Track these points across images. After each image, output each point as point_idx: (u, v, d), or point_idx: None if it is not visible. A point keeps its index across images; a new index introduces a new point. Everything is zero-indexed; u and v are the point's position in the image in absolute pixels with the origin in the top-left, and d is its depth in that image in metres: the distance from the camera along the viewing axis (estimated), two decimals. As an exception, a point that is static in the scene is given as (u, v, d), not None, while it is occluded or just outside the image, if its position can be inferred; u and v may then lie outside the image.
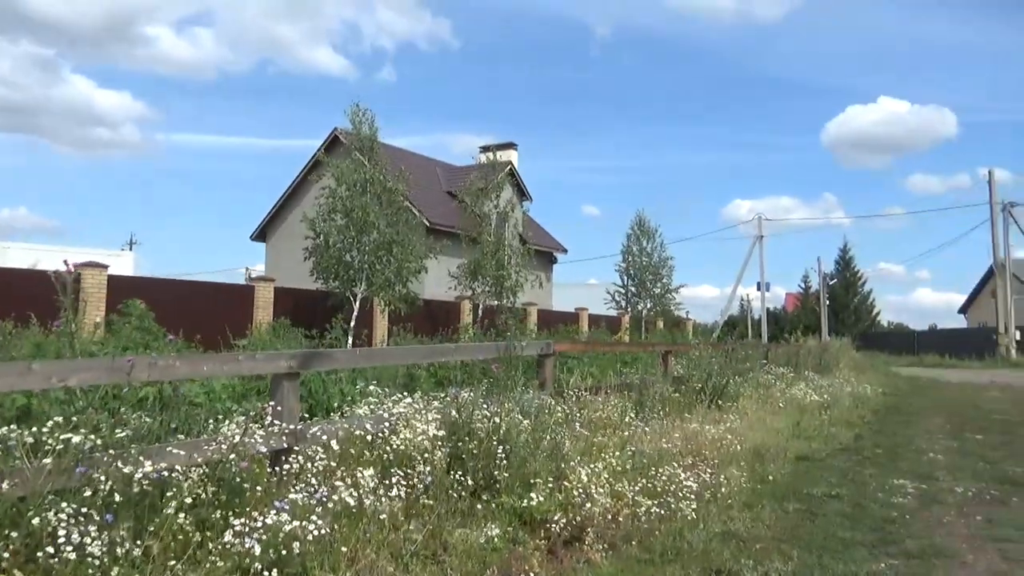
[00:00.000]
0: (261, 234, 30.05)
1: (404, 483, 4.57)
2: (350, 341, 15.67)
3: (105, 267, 14.64)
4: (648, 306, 31.34)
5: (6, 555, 3.03)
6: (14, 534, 3.12)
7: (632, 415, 7.83)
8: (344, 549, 3.78)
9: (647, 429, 7.44)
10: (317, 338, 10.94)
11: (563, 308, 29.91)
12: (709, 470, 6.56)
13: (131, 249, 38.70)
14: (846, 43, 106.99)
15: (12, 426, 3.61)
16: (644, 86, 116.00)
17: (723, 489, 6.05)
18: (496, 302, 22.60)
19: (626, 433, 7.00)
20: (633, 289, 31.41)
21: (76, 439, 3.51)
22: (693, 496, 5.56)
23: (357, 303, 17.92)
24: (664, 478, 5.70)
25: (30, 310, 10.09)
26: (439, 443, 5.17)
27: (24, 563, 3.05)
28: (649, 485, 5.57)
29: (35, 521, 3.16)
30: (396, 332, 14.10)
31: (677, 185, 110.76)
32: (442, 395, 6.35)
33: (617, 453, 6.06)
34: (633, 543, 4.72)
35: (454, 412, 5.48)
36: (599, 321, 27.99)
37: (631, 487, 5.38)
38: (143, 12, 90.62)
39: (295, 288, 18.61)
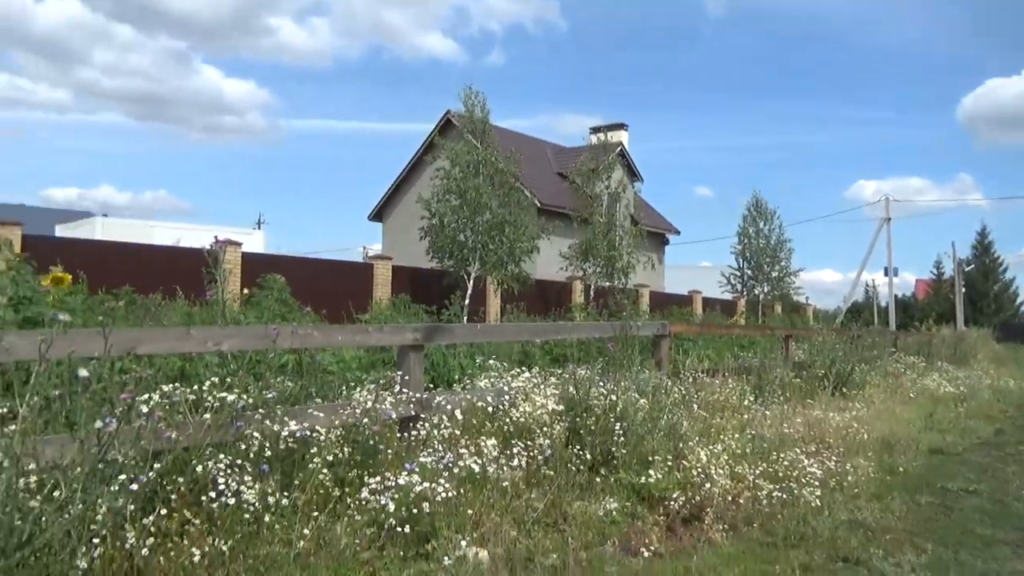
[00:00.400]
0: (378, 214, 31.11)
1: (524, 454, 4.69)
2: (464, 319, 16.05)
3: (239, 244, 15.64)
4: (765, 290, 30.30)
5: (174, 497, 3.36)
6: (180, 479, 3.45)
7: (751, 399, 7.65)
8: (470, 512, 3.94)
9: (767, 413, 7.26)
10: (435, 314, 11.28)
11: (675, 290, 29.37)
12: (834, 458, 6.33)
13: (259, 228, 41.09)
14: (983, 10, 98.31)
15: (176, 384, 3.97)
16: (759, 63, 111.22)
17: (849, 478, 5.83)
18: (607, 283, 22.50)
19: (745, 416, 6.85)
20: (749, 272, 30.45)
21: (231, 398, 3.83)
22: (817, 483, 5.39)
23: (471, 282, 18.32)
24: (786, 463, 5.56)
25: (175, 283, 10.96)
26: (557, 418, 5.27)
27: (190, 505, 3.37)
28: (770, 469, 5.45)
29: (198, 469, 3.48)
30: (509, 311, 14.34)
31: (796, 166, 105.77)
32: (558, 372, 6.44)
33: (736, 436, 5.96)
34: (754, 525, 4.66)
35: (572, 388, 5.56)
36: (713, 304, 27.31)
37: (751, 470, 5.29)
38: (266, 4, 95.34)
39: (411, 267, 19.22)
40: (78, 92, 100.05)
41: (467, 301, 17.53)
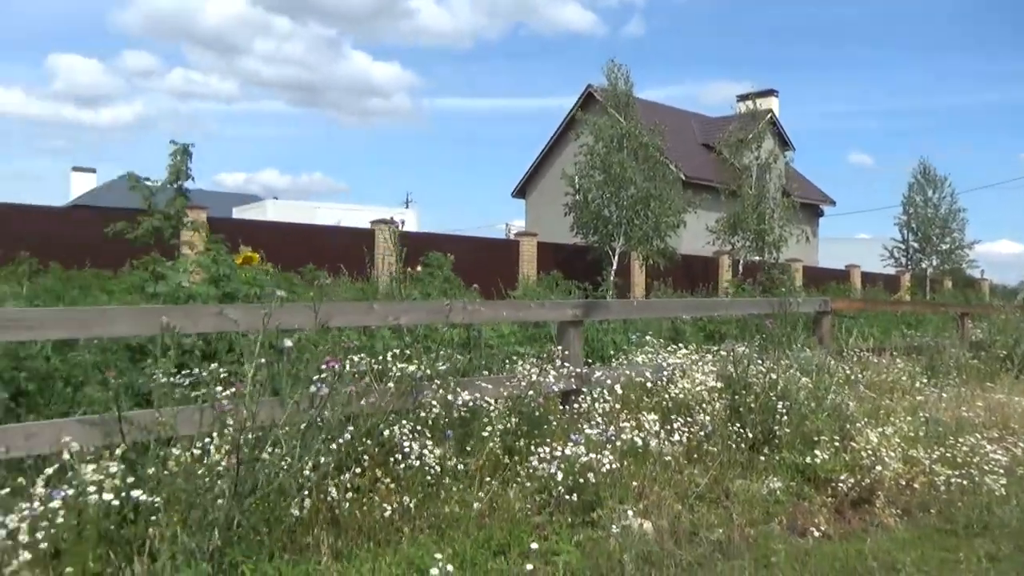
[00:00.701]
0: (521, 191, 31.56)
1: (685, 430, 4.73)
2: (610, 294, 16.09)
3: (396, 223, 16.47)
4: (934, 263, 28.05)
5: (366, 458, 3.70)
6: (369, 442, 3.79)
7: (923, 380, 7.22)
8: (634, 484, 4.05)
9: (943, 396, 6.82)
10: (586, 290, 11.37)
11: (830, 265, 27.80)
12: (1021, 445, 5.87)
13: (408, 207, 42.93)
14: None
15: (361, 355, 4.34)
16: (925, 16, 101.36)
17: (1040, 467, 5.41)
18: (757, 257, 21.71)
19: (919, 398, 6.49)
20: (915, 245, 28.31)
21: (411, 368, 4.14)
22: (1002, 471, 5.04)
23: (616, 257, 18.29)
24: (965, 449, 5.23)
25: (338, 261, 11.76)
26: (716, 395, 5.26)
27: (379, 466, 3.70)
28: (947, 454, 5.15)
29: (386, 433, 3.80)
30: (656, 287, 14.21)
31: (968, 127, 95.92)
32: (714, 349, 6.38)
33: (908, 418, 5.68)
34: (931, 512, 4.46)
35: (730, 366, 5.52)
36: (874, 279, 25.62)
37: (926, 455, 5.03)
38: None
39: (555, 243, 19.43)
40: (243, 82, 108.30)
41: (612, 277, 17.55)
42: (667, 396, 5.19)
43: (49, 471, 2.93)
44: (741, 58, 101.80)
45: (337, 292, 9.26)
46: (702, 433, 4.78)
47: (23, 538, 2.69)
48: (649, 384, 5.30)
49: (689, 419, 4.91)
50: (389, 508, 3.46)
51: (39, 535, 2.70)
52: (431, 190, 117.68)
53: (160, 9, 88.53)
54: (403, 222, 6.44)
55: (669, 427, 4.73)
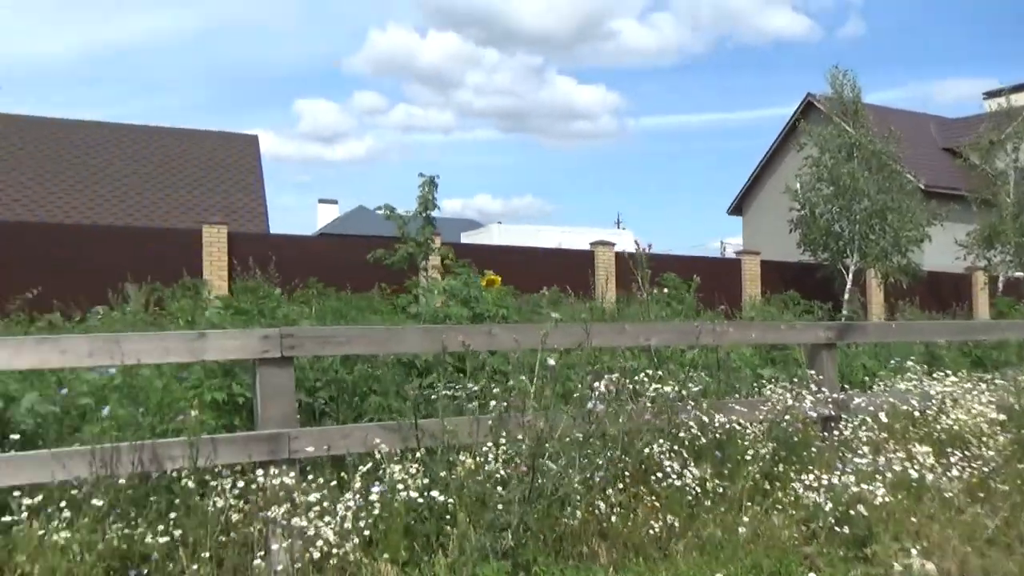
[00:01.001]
0: (737, 207, 30.48)
1: (965, 465, 4.33)
2: (843, 314, 15.05)
3: (612, 245, 16.67)
4: None
5: (627, 473, 3.81)
6: (628, 459, 3.90)
7: None
8: (912, 520, 3.78)
9: None
10: (823, 311, 10.77)
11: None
12: None
13: (619, 227, 43.20)
14: None
15: (616, 375, 4.48)
16: None
17: None
18: (1020, 273, 19.16)
19: None
20: None
21: (666, 389, 4.21)
22: None
23: (850, 276, 17.06)
24: None
25: (563, 282, 12.12)
26: (997, 428, 4.76)
27: (641, 482, 3.80)
28: None
29: (645, 450, 3.90)
30: (901, 307, 13.06)
31: None
32: (986, 377, 5.78)
33: None
34: None
35: (1011, 396, 4.97)
36: None
37: None
38: (608, 9, 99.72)
39: (779, 261, 18.53)
40: (458, 113, 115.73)
41: (846, 297, 16.41)
42: (938, 427, 4.77)
43: (363, 468, 3.37)
44: (977, 52, 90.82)
45: (565, 312, 9.56)
46: (985, 469, 4.34)
47: (348, 526, 3.11)
48: (916, 413, 4.92)
49: (967, 453, 4.49)
50: (656, 525, 3.54)
51: (361, 524, 3.11)
52: (640, 209, 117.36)
53: (384, 52, 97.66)
54: (650, 245, 6.48)
55: (944, 460, 4.35)
